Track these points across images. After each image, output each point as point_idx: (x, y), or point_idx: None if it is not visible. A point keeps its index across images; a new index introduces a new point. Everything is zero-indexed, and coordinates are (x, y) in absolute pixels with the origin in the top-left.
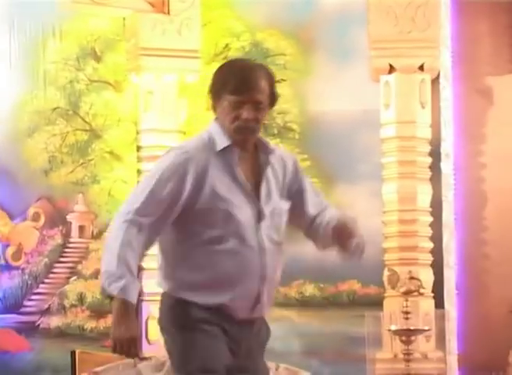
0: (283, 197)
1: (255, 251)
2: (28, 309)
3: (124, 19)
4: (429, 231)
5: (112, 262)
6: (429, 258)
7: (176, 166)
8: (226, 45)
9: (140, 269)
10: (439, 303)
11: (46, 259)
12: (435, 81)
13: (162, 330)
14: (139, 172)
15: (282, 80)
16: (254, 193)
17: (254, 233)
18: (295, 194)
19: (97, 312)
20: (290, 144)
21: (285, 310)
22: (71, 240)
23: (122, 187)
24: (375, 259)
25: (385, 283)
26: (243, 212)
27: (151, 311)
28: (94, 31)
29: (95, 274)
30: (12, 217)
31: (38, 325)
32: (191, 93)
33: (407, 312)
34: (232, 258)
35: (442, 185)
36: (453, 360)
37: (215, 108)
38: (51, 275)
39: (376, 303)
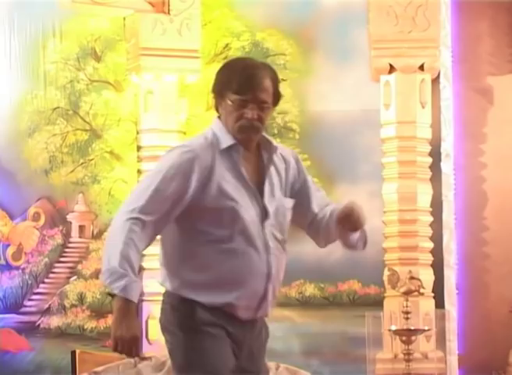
0: (287, 195)
1: (261, 249)
2: (28, 309)
3: (124, 19)
4: (429, 231)
5: (115, 261)
6: (429, 258)
7: (181, 164)
8: (226, 45)
9: (141, 268)
10: (440, 303)
11: (46, 259)
12: (436, 81)
13: (164, 330)
14: (139, 172)
15: (283, 80)
16: (257, 191)
17: (259, 232)
18: (299, 192)
19: (98, 312)
20: (290, 144)
21: (285, 310)
22: (71, 240)
23: (123, 187)
24: (376, 259)
25: (386, 283)
26: (248, 210)
27: (151, 311)
28: (95, 31)
29: (95, 274)
30: (12, 217)
31: (38, 325)
32: (191, 93)
33: (407, 312)
34: (238, 257)
35: (442, 185)
36: (453, 360)
37: (217, 107)
38: (52, 275)
39: (376, 303)
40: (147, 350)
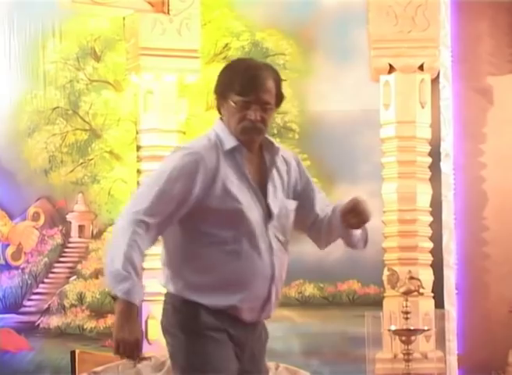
0: (289, 197)
1: (264, 251)
2: (28, 309)
3: (124, 18)
4: (429, 231)
5: (118, 263)
6: (429, 258)
7: (186, 166)
8: (226, 45)
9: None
10: (439, 303)
11: (46, 259)
12: (435, 81)
13: (166, 332)
14: (139, 172)
15: (282, 79)
16: (261, 193)
17: (262, 234)
18: (301, 194)
19: (97, 312)
20: (290, 144)
21: (285, 310)
22: (71, 239)
23: (122, 187)
24: (375, 259)
25: (385, 283)
26: (252, 212)
27: (151, 311)
28: (94, 31)
29: (95, 274)
30: (11, 217)
31: (38, 325)
32: (191, 93)
33: (406, 312)
34: (242, 259)
35: (441, 185)
36: (453, 360)
37: (220, 108)
38: (51, 275)
39: (376, 303)
40: (146, 350)
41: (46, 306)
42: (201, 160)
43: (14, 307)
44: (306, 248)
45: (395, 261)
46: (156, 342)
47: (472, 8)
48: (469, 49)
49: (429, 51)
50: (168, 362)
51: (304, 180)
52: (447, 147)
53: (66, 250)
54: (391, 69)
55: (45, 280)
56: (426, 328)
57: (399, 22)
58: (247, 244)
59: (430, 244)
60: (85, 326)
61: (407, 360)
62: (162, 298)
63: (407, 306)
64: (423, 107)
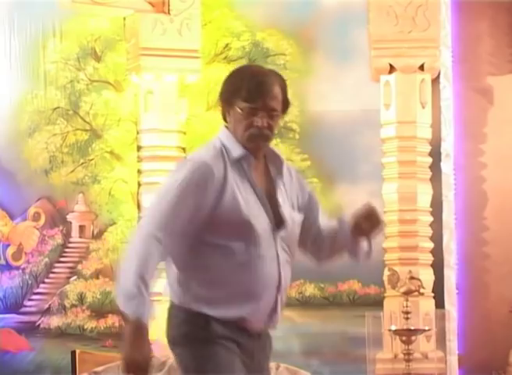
0: (294, 208)
1: (272, 261)
2: (28, 309)
3: (124, 19)
4: (429, 231)
5: (129, 281)
6: (429, 258)
7: (195, 179)
8: (226, 45)
9: None
10: (440, 303)
11: (46, 259)
12: (436, 81)
13: (175, 344)
14: (139, 172)
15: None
16: (268, 203)
17: (271, 244)
18: (305, 208)
19: (98, 312)
20: (290, 144)
21: (285, 310)
22: (71, 240)
23: (123, 187)
24: (375, 259)
25: (386, 283)
26: (261, 222)
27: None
28: (95, 31)
29: (95, 274)
30: (12, 217)
31: (39, 325)
32: (191, 93)
33: (407, 312)
34: (251, 270)
35: (442, 185)
36: (453, 360)
37: (225, 115)
38: (52, 275)
39: (376, 303)
40: None
41: (46, 306)
42: (210, 171)
43: (14, 307)
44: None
45: (395, 261)
46: (156, 342)
47: (472, 9)
48: (469, 49)
49: (430, 52)
50: (169, 362)
51: (306, 193)
52: (448, 147)
53: (67, 250)
54: (391, 69)
55: (46, 280)
56: (426, 328)
57: (399, 22)
58: (255, 254)
59: (430, 244)
60: (85, 327)
61: (408, 360)
62: (162, 298)
63: (407, 306)
64: (423, 107)
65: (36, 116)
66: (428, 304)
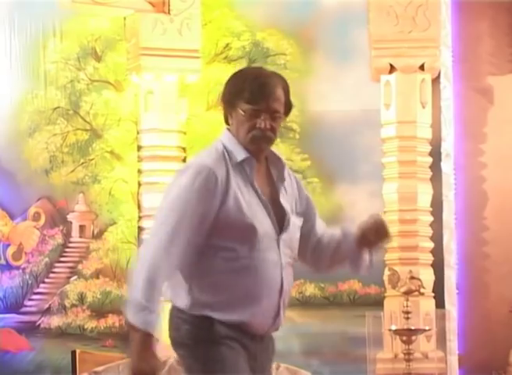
0: (293, 213)
1: (275, 265)
2: (29, 309)
3: (125, 18)
4: (430, 231)
5: (138, 292)
6: (430, 257)
7: (201, 185)
8: (227, 45)
9: None
10: (440, 303)
11: (46, 259)
12: (436, 81)
13: (178, 346)
14: (139, 172)
15: None
16: (271, 206)
17: (274, 248)
18: (303, 213)
19: (98, 312)
20: (290, 144)
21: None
22: (71, 239)
23: (123, 187)
24: (376, 259)
25: (386, 282)
26: (264, 225)
27: None
28: (95, 31)
29: (96, 274)
30: (12, 217)
31: (39, 325)
32: (192, 93)
33: (407, 312)
34: (253, 275)
35: (442, 185)
36: (453, 360)
37: (227, 117)
38: (52, 275)
39: (377, 303)
40: None
41: (47, 306)
42: (213, 175)
43: (15, 307)
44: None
45: (396, 261)
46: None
47: (473, 9)
48: (469, 49)
49: (430, 51)
50: (169, 362)
51: (304, 198)
52: (448, 147)
53: (67, 250)
54: (392, 69)
55: (46, 280)
56: (427, 328)
57: (399, 22)
58: (257, 258)
59: (431, 244)
60: (86, 326)
61: (408, 360)
62: (162, 298)
63: (407, 306)
64: (424, 107)
65: (36, 115)
66: (428, 304)
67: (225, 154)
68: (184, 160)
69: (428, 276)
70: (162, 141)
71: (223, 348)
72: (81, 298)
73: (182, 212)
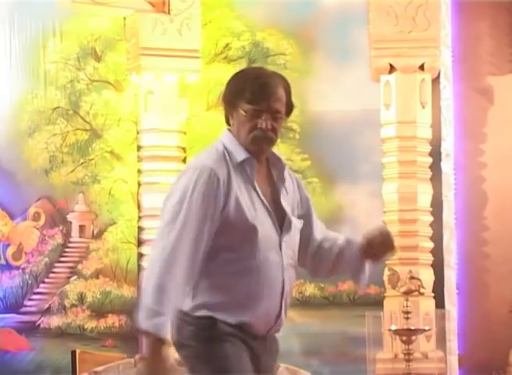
0: (294, 215)
1: (277, 266)
2: (28, 309)
3: (124, 18)
4: (430, 231)
5: (148, 297)
6: (430, 257)
7: (203, 187)
8: (227, 45)
9: (141, 268)
10: (440, 303)
11: (46, 259)
12: (436, 81)
13: (181, 346)
14: (139, 171)
15: None
16: (271, 207)
17: (276, 249)
18: (302, 217)
19: (98, 312)
20: (290, 144)
21: None
22: (71, 239)
23: (123, 187)
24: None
25: (386, 282)
26: (265, 226)
27: None
28: (95, 31)
29: (96, 274)
30: (12, 217)
31: (39, 325)
32: (192, 93)
33: (407, 312)
34: (255, 276)
35: (442, 185)
36: (453, 360)
37: (228, 118)
38: (52, 275)
39: (376, 303)
40: None
41: (47, 306)
42: (215, 176)
43: (15, 307)
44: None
45: (395, 261)
46: None
47: (473, 9)
48: (469, 49)
49: (430, 51)
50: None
51: (305, 200)
52: (448, 147)
53: (67, 250)
54: (391, 69)
55: (46, 280)
56: (427, 328)
57: (399, 22)
58: (259, 259)
59: (431, 244)
60: (85, 326)
61: (408, 360)
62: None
63: (407, 306)
64: (423, 107)
65: (36, 115)
66: (428, 304)
67: (226, 154)
68: (184, 160)
69: (427, 276)
70: (162, 141)
71: (226, 345)
72: (81, 298)
73: (186, 216)
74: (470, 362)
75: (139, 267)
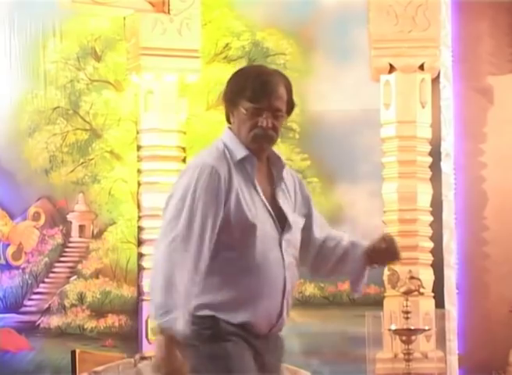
0: (296, 213)
1: (277, 265)
2: (28, 309)
3: (124, 18)
4: (429, 231)
5: (158, 297)
6: (429, 257)
7: (206, 183)
8: (226, 45)
9: (140, 268)
10: (440, 303)
11: (46, 259)
12: (436, 81)
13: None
14: (139, 171)
15: None
16: (272, 205)
17: (276, 248)
18: (306, 216)
19: (98, 312)
20: (290, 144)
21: None
22: (71, 239)
23: (123, 187)
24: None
25: (386, 282)
26: (265, 225)
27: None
28: (95, 31)
29: (95, 274)
30: (12, 217)
31: (38, 324)
32: (191, 92)
33: (407, 312)
34: (255, 275)
35: (442, 185)
36: (453, 360)
37: (229, 116)
38: (52, 274)
39: (376, 303)
40: (146, 350)
41: (46, 306)
42: (216, 173)
43: (14, 307)
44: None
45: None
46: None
47: (473, 8)
48: (469, 49)
49: (430, 51)
50: None
51: (307, 202)
52: (448, 147)
53: (67, 250)
54: (391, 68)
55: (46, 280)
56: (426, 328)
57: (399, 21)
58: (260, 258)
59: (430, 244)
60: (85, 326)
61: (408, 360)
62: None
63: (407, 306)
64: (423, 107)
65: (36, 115)
66: (428, 304)
67: (226, 152)
68: (184, 160)
69: (427, 276)
70: (162, 140)
71: (228, 345)
72: (81, 298)
73: (189, 212)
74: (470, 362)
75: (139, 267)
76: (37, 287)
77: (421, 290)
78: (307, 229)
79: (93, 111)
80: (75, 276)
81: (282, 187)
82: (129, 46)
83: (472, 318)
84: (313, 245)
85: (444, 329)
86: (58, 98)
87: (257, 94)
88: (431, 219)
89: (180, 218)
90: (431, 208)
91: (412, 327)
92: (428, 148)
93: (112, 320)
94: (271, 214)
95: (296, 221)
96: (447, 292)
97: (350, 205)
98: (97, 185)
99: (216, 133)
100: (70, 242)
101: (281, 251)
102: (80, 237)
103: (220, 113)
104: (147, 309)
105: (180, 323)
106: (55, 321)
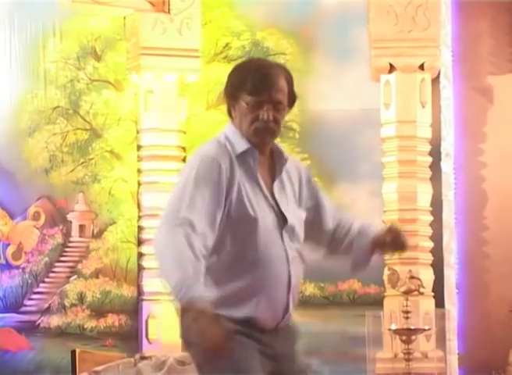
0: (300, 206)
1: (280, 260)
2: (28, 309)
3: (124, 18)
4: (429, 230)
5: (172, 274)
6: (429, 257)
7: (206, 173)
8: (227, 44)
9: (140, 268)
10: (440, 302)
11: (46, 258)
12: (436, 80)
13: (189, 345)
14: (139, 171)
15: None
16: (273, 200)
17: (278, 242)
18: (312, 209)
19: (98, 312)
20: (290, 144)
21: None
22: (71, 239)
23: (123, 187)
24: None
25: (386, 282)
26: (267, 219)
27: (151, 310)
28: (95, 30)
29: (95, 273)
30: (12, 216)
31: (38, 324)
32: (191, 92)
33: (407, 312)
34: (258, 269)
35: (442, 184)
36: (453, 360)
37: (230, 110)
38: (52, 274)
39: (376, 302)
40: (147, 349)
41: (46, 306)
42: (217, 164)
43: (14, 306)
44: (306, 247)
45: (395, 260)
46: (156, 342)
47: (473, 8)
48: (469, 49)
49: (430, 51)
50: (169, 362)
51: (315, 193)
52: (448, 146)
53: (67, 249)
54: (391, 68)
55: (46, 280)
56: (426, 327)
57: (399, 21)
58: (261, 252)
59: (430, 244)
60: (85, 326)
61: (408, 359)
62: (162, 297)
63: (407, 306)
64: (423, 106)
65: (36, 115)
66: (428, 303)
67: (228, 146)
68: (184, 159)
69: (427, 276)
70: (162, 140)
71: (233, 344)
72: (81, 298)
73: (191, 197)
74: (470, 362)
75: (139, 267)
76: (37, 286)
77: (421, 289)
78: (317, 221)
79: (93, 110)
80: (75, 276)
81: (281, 180)
82: (129, 46)
83: (472, 318)
84: (326, 236)
85: (444, 329)
86: (58, 98)
87: (257, 87)
88: (431, 218)
89: (183, 201)
90: (431, 208)
91: (412, 327)
92: (428, 147)
93: (112, 320)
94: (272, 208)
95: (297, 214)
96: (447, 292)
97: (350, 205)
98: (98, 185)
99: (216, 133)
100: (70, 242)
101: (283, 245)
102: (80, 236)
103: (220, 113)
104: (147, 309)
105: (204, 292)
106: (55, 321)
